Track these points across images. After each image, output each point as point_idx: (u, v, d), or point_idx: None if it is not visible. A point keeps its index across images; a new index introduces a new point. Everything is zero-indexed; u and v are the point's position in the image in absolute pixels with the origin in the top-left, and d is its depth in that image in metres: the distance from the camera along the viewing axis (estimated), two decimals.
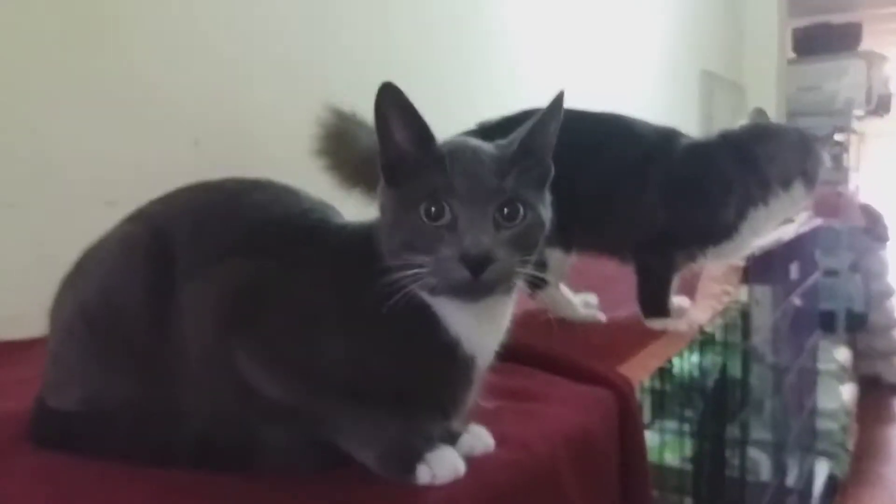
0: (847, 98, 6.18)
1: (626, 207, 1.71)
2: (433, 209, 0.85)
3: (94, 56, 1.61)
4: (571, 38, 3.37)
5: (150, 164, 1.65)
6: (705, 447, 1.66)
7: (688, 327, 1.75)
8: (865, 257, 6.41)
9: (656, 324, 1.74)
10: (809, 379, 3.24)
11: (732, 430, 1.91)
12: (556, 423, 1.15)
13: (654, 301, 1.75)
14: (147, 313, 0.94)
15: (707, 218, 1.72)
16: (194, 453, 0.93)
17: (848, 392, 4.82)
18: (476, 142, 0.92)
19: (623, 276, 1.78)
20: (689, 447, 1.63)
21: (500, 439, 1.03)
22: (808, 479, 3.33)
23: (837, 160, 6.05)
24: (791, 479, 2.87)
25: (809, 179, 1.75)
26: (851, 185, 6.38)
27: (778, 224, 2.04)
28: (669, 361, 1.60)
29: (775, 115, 5.14)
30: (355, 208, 1.17)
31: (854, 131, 6.51)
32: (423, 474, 0.90)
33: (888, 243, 6.70)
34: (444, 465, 0.91)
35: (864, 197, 6.85)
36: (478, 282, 0.84)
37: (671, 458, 1.93)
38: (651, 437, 1.61)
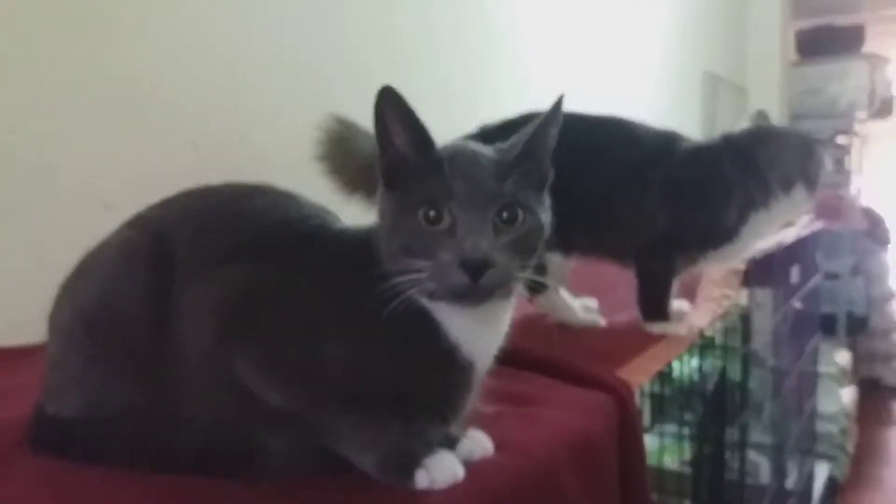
0: (850, 100, 6.18)
1: (626, 211, 1.71)
2: (432, 213, 0.85)
3: (93, 59, 1.60)
4: (573, 41, 3.37)
5: (148, 167, 1.65)
6: (705, 450, 1.66)
7: (688, 331, 1.75)
8: (867, 260, 6.42)
9: (656, 328, 1.74)
10: (809, 382, 3.24)
11: (732, 434, 1.91)
12: (556, 427, 1.15)
13: (654, 305, 1.75)
14: (147, 318, 0.94)
15: (708, 221, 1.72)
16: (194, 459, 0.93)
17: (848, 395, 4.84)
18: (475, 146, 0.92)
19: (623, 280, 1.79)
20: (688, 451, 1.63)
21: (500, 444, 1.02)
22: (807, 481, 3.34)
23: (839, 163, 6.05)
24: (791, 482, 2.87)
25: (811, 182, 1.75)
26: (853, 188, 6.38)
27: (779, 227, 2.04)
28: (669, 365, 1.60)
29: (778, 117, 5.14)
30: (355, 214, 1.16)
31: (856, 134, 6.51)
32: (422, 479, 0.89)
33: (889, 246, 6.71)
34: (442, 469, 0.91)
35: (865, 200, 6.87)
36: (477, 286, 0.83)
37: (671, 462, 1.93)
38: (651, 441, 1.61)
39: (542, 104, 0.93)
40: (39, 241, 1.50)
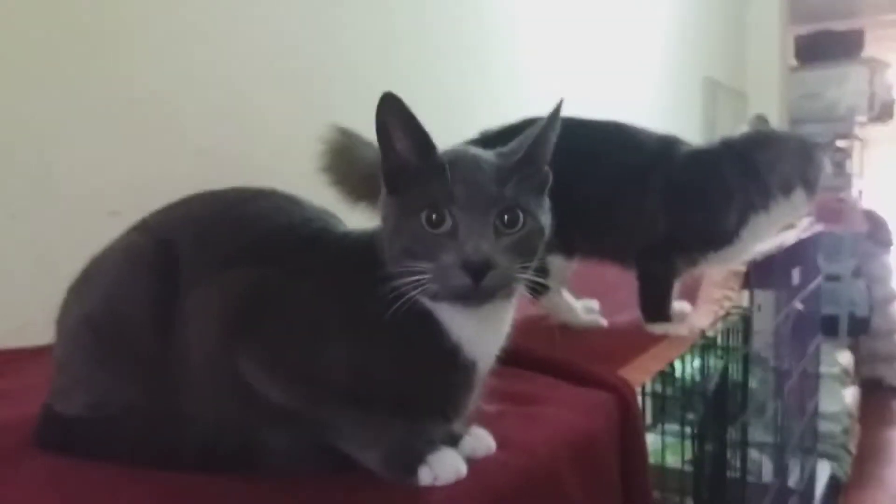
0: (849, 105, 6.18)
1: (627, 214, 1.72)
2: (434, 217, 0.86)
3: (98, 67, 1.61)
4: (573, 46, 3.38)
5: (153, 174, 1.65)
6: (707, 450, 1.67)
7: (689, 332, 1.75)
8: (868, 262, 6.42)
9: (657, 328, 1.75)
10: (812, 382, 3.25)
11: (734, 433, 1.92)
12: (558, 426, 1.16)
13: (656, 306, 1.76)
14: (151, 321, 0.95)
15: (708, 224, 1.73)
16: (198, 457, 0.94)
17: (850, 395, 4.83)
18: (476, 150, 0.93)
19: (624, 282, 1.80)
20: (690, 450, 1.64)
21: (502, 442, 1.03)
22: (810, 480, 3.34)
23: (840, 166, 6.05)
24: (793, 481, 2.88)
25: (810, 186, 1.76)
26: (854, 191, 6.38)
27: (779, 230, 2.05)
28: (671, 365, 1.61)
29: (777, 122, 5.14)
30: (359, 221, 1.17)
31: (857, 138, 6.51)
32: (425, 476, 0.90)
33: (891, 248, 6.71)
34: (445, 466, 0.92)
35: (867, 203, 6.86)
36: (478, 288, 0.85)
37: (673, 461, 1.94)
38: (653, 440, 1.61)
39: (542, 110, 0.94)
40: (45, 246, 1.52)
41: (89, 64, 1.60)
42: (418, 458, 0.92)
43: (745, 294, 2.14)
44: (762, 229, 1.78)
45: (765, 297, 2.34)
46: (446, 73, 2.58)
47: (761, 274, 2.16)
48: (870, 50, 6.62)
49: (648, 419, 1.69)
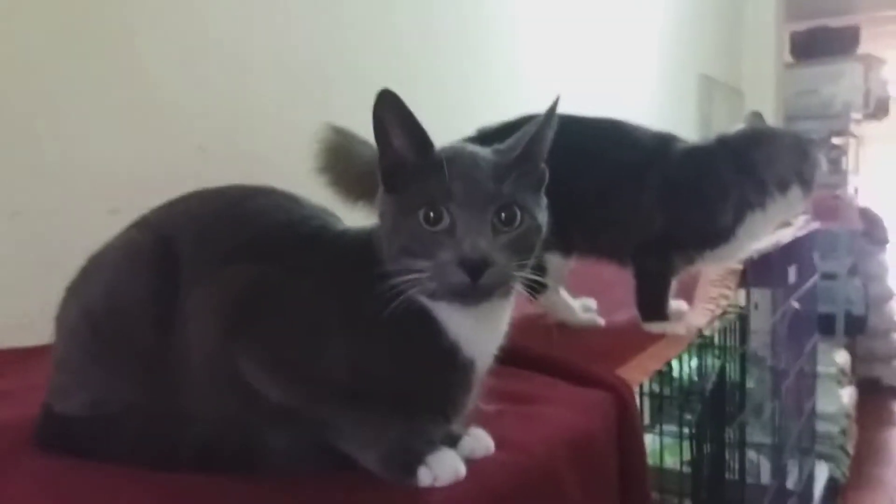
0: (845, 102, 6.18)
1: (623, 212, 1.72)
2: (432, 214, 0.86)
3: (99, 64, 1.61)
4: (570, 44, 3.38)
5: (153, 171, 1.65)
6: (704, 450, 1.67)
7: (686, 330, 1.75)
8: (865, 261, 6.44)
9: (655, 327, 1.75)
10: (809, 382, 3.25)
11: (731, 434, 1.92)
12: (556, 425, 1.16)
13: (653, 305, 1.76)
14: (151, 318, 0.95)
15: (704, 222, 1.73)
16: (198, 456, 0.94)
17: (847, 395, 4.84)
18: (474, 147, 0.93)
19: (621, 280, 1.80)
20: (688, 450, 1.64)
21: (500, 442, 1.03)
22: (808, 481, 3.34)
23: (836, 164, 6.06)
24: (791, 482, 2.88)
25: (806, 183, 1.76)
26: (850, 189, 6.39)
27: (775, 227, 2.05)
28: (668, 364, 1.61)
29: (773, 119, 5.15)
30: (358, 221, 1.17)
31: (852, 135, 6.52)
32: (424, 476, 0.90)
33: (887, 246, 6.72)
34: (444, 466, 0.91)
35: (863, 200, 6.87)
36: (476, 285, 0.85)
37: (671, 461, 1.94)
38: (651, 441, 1.61)
39: (540, 107, 0.94)
40: (45, 244, 1.51)
41: (92, 63, 1.60)
42: (417, 459, 0.91)
43: (742, 292, 2.14)
44: (758, 227, 1.78)
45: (761, 296, 2.34)
46: (446, 70, 2.59)
47: (758, 272, 2.16)
48: (865, 46, 6.63)
49: (646, 419, 1.68)
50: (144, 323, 0.95)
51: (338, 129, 1.55)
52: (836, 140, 6.09)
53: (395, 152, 0.89)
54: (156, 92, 1.71)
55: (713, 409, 1.72)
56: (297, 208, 1.03)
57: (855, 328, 6.12)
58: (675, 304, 1.83)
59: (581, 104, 1.56)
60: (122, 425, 0.97)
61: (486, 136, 1.53)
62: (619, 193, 1.71)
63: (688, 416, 1.62)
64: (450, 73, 2.60)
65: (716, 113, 4.99)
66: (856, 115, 6.41)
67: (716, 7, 5.31)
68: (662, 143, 1.76)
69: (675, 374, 1.68)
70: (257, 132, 1.91)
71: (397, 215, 0.89)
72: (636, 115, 1.84)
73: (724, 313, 1.95)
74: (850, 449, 4.73)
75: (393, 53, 2.34)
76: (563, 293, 1.80)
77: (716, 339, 1.82)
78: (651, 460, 1.46)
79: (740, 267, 2.07)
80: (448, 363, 0.92)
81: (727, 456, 1.88)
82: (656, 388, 1.75)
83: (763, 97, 5.44)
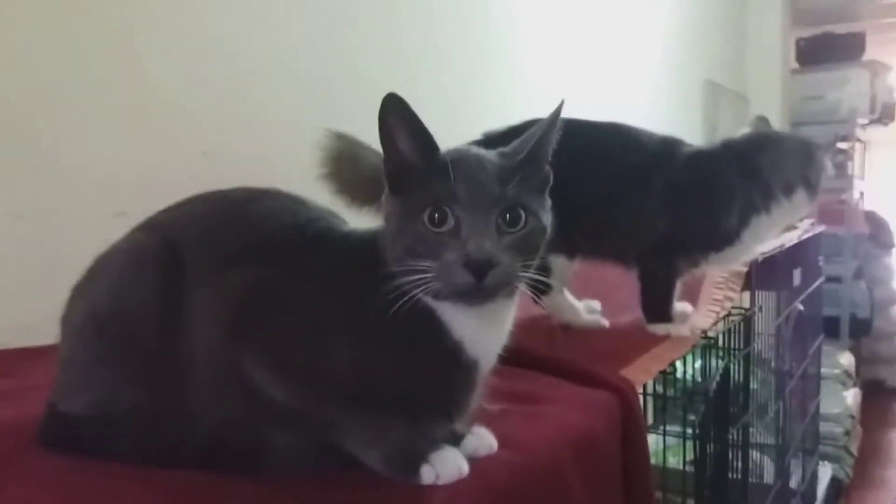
0: (850, 107, 6.18)
1: (629, 214, 1.73)
2: (437, 216, 0.87)
3: (104, 67, 1.62)
4: (576, 50, 3.39)
5: (158, 175, 1.66)
6: (708, 450, 1.67)
7: (690, 332, 1.76)
8: (870, 264, 6.43)
9: (659, 329, 1.75)
10: (813, 383, 3.25)
11: (735, 434, 1.92)
12: (560, 425, 1.16)
13: (657, 306, 1.76)
14: (156, 319, 0.96)
15: (709, 225, 1.74)
16: (202, 456, 0.94)
17: (852, 396, 4.84)
18: (478, 150, 0.94)
19: (625, 283, 1.80)
20: (691, 450, 1.65)
21: (504, 441, 1.03)
22: (811, 482, 3.34)
23: (842, 168, 6.06)
24: (795, 483, 2.88)
25: (811, 187, 1.77)
26: (856, 193, 6.39)
27: (780, 231, 2.05)
28: (672, 366, 1.61)
29: (779, 124, 5.14)
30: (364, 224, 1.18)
31: (858, 140, 6.51)
32: (428, 474, 0.91)
33: (893, 250, 6.71)
34: (447, 465, 0.92)
35: (868, 204, 6.87)
36: (481, 286, 0.85)
37: (674, 461, 1.94)
38: (654, 441, 1.62)
39: (544, 111, 0.95)
40: (51, 247, 1.52)
41: (93, 66, 1.61)
42: (421, 457, 0.92)
43: (747, 295, 2.14)
44: (763, 230, 1.79)
45: (766, 298, 2.34)
46: (450, 75, 2.59)
47: (763, 275, 2.16)
48: (871, 53, 6.63)
49: (650, 420, 1.68)
50: (149, 324, 0.96)
51: (341, 136, 1.55)
52: (841, 145, 6.08)
53: (400, 155, 0.90)
54: (159, 95, 1.72)
55: (717, 409, 1.72)
56: (303, 210, 1.03)
57: (860, 331, 6.12)
58: (680, 305, 1.84)
59: (586, 109, 1.57)
60: (127, 425, 0.97)
61: (492, 140, 1.54)
62: (624, 197, 1.72)
63: (691, 417, 1.63)
64: (452, 79, 2.60)
65: (721, 119, 4.99)
66: (861, 121, 6.41)
67: (721, 13, 5.32)
68: (667, 147, 1.77)
69: (679, 375, 1.69)
70: (261, 136, 1.92)
71: (402, 217, 0.89)
72: (641, 120, 1.85)
73: (729, 315, 1.95)
74: (854, 450, 4.72)
75: (396, 57, 2.35)
76: (568, 295, 1.81)
77: (720, 341, 1.82)
78: (654, 460, 1.46)
79: (745, 269, 2.07)
80: (452, 363, 0.92)
81: (730, 456, 1.88)
82: (660, 388, 1.75)
83: (769, 103, 5.44)
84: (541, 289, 0.95)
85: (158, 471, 0.92)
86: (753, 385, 2.13)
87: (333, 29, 2.14)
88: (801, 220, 2.63)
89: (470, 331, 0.92)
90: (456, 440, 0.99)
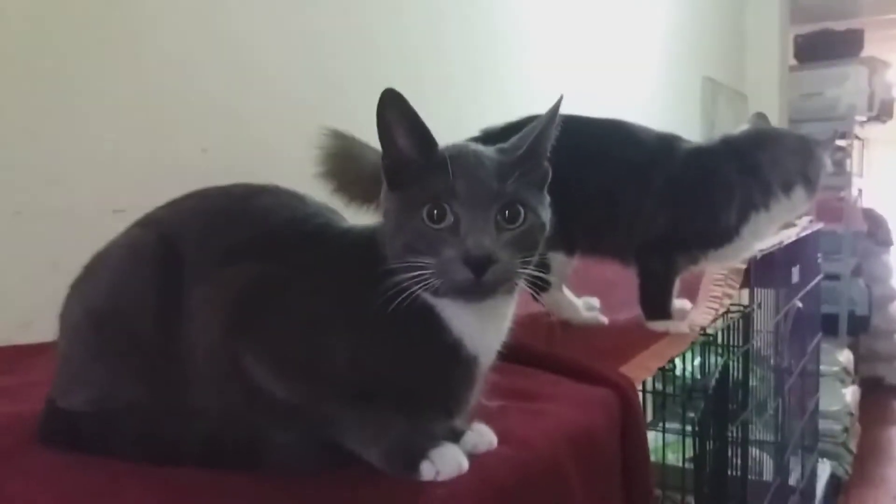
0: (849, 104, 6.18)
1: (628, 211, 1.73)
2: (436, 212, 0.87)
3: (103, 63, 1.62)
4: (575, 47, 3.39)
5: (158, 172, 1.65)
6: (707, 447, 1.68)
7: (689, 329, 1.76)
8: (868, 261, 6.44)
9: (658, 326, 1.75)
10: (812, 381, 3.25)
11: (734, 431, 1.92)
12: (559, 421, 1.16)
13: (656, 303, 1.76)
14: (154, 316, 0.96)
15: (708, 221, 1.74)
16: (202, 453, 0.94)
17: (850, 394, 4.85)
18: (477, 146, 0.94)
19: (624, 280, 1.80)
20: (691, 447, 1.65)
21: (503, 437, 1.03)
22: (810, 479, 3.34)
23: (840, 165, 6.06)
24: (794, 480, 2.88)
25: (810, 183, 1.77)
26: (854, 191, 6.39)
27: (778, 228, 2.05)
28: (671, 363, 1.61)
29: (777, 121, 5.14)
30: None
31: (857, 137, 6.51)
32: (427, 471, 0.91)
33: (891, 247, 6.72)
34: (447, 461, 0.92)
35: (866, 201, 6.87)
36: (480, 282, 0.85)
37: (673, 458, 1.94)
38: (653, 438, 1.62)
39: (544, 107, 0.95)
40: (50, 243, 1.51)
41: (93, 62, 1.60)
42: (420, 454, 0.92)
43: (746, 292, 2.14)
44: (762, 227, 1.79)
45: (765, 296, 2.34)
46: (453, 71, 2.59)
47: (761, 272, 2.17)
48: (870, 49, 6.62)
49: (649, 417, 1.69)
50: (147, 320, 0.96)
51: (339, 134, 1.54)
52: (840, 142, 6.08)
53: (399, 151, 0.90)
54: (159, 91, 1.71)
55: (716, 406, 1.72)
56: (302, 206, 1.03)
57: (858, 328, 6.13)
58: (679, 302, 1.84)
59: (585, 106, 1.56)
60: (126, 421, 0.97)
61: (491, 137, 1.54)
62: (624, 193, 1.72)
63: (690, 414, 1.63)
64: (455, 75, 2.60)
65: (720, 116, 4.99)
66: (860, 118, 6.41)
67: (720, 10, 5.31)
68: (667, 144, 1.77)
69: (678, 372, 1.69)
70: (260, 132, 1.91)
71: (401, 213, 0.89)
72: (640, 117, 1.84)
73: (728, 312, 1.95)
74: (853, 447, 4.73)
75: (399, 54, 2.35)
76: (567, 292, 1.81)
77: (719, 338, 1.82)
78: (653, 457, 1.46)
79: (744, 266, 2.07)
80: (452, 359, 0.93)
81: (730, 453, 1.88)
82: (659, 385, 1.76)
83: (767, 100, 5.44)
84: (540, 286, 0.95)
85: (158, 468, 0.92)
86: (752, 382, 2.14)
87: (336, 25, 2.14)
88: (800, 217, 2.64)
89: (469, 327, 0.92)
90: (456, 437, 0.99)
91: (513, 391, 1.24)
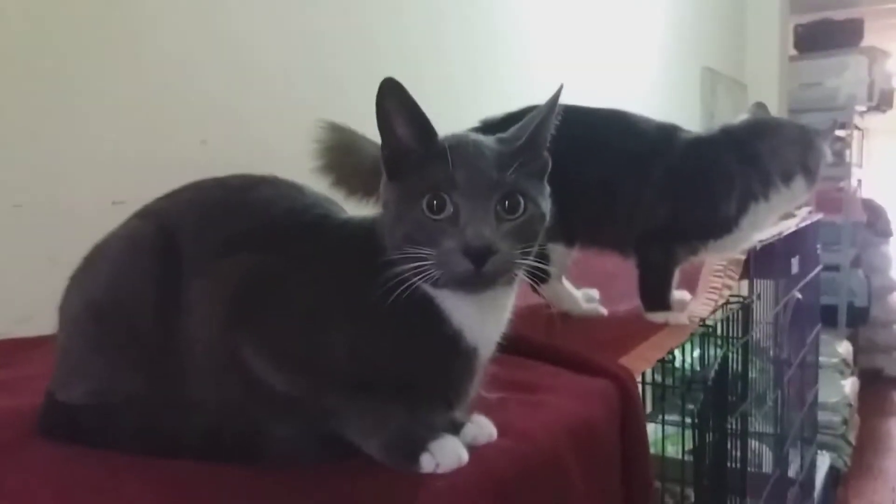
0: (849, 94, 6.17)
1: (627, 202, 1.72)
2: (435, 203, 0.86)
3: (102, 58, 1.61)
4: (574, 37, 3.38)
5: (157, 164, 1.65)
6: (706, 439, 1.67)
7: (688, 320, 1.76)
8: (868, 252, 6.45)
9: (657, 317, 1.75)
10: (811, 372, 3.25)
11: (734, 423, 1.92)
12: (559, 413, 1.16)
13: (656, 294, 1.76)
14: (153, 308, 0.95)
15: (707, 212, 1.73)
16: (201, 445, 0.94)
17: (849, 385, 4.85)
18: (477, 136, 0.93)
19: (624, 271, 1.80)
20: (690, 439, 1.65)
21: (503, 429, 1.03)
22: (809, 470, 3.34)
23: (840, 156, 6.06)
24: (793, 471, 2.88)
25: (810, 173, 1.77)
26: (854, 181, 6.39)
27: (778, 218, 2.05)
28: (670, 354, 1.61)
29: (777, 111, 5.13)
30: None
31: (856, 127, 6.51)
32: (427, 463, 0.90)
33: (890, 238, 6.72)
34: (447, 453, 0.92)
35: (866, 192, 6.87)
36: (480, 273, 0.85)
37: (673, 450, 1.94)
38: (653, 430, 1.62)
39: (544, 98, 0.94)
40: (49, 235, 1.51)
41: (93, 54, 1.60)
42: (420, 446, 0.92)
43: (745, 283, 2.14)
44: (762, 218, 1.78)
45: (764, 287, 2.34)
46: (452, 57, 2.59)
47: (761, 263, 2.16)
48: (869, 39, 6.62)
49: (648, 409, 1.69)
50: (146, 312, 0.95)
51: (336, 126, 1.54)
52: (839, 132, 6.08)
53: (398, 140, 0.90)
54: (158, 83, 1.71)
55: (715, 398, 1.72)
56: (300, 197, 1.03)
57: (857, 319, 6.13)
58: (678, 293, 1.83)
59: (585, 96, 1.56)
60: (125, 414, 0.97)
61: (490, 127, 1.54)
62: (623, 184, 1.71)
63: (690, 406, 1.62)
64: (455, 75, 2.60)
65: (719, 106, 4.99)
66: (860, 108, 6.40)
67: (719, 0, 5.30)
68: (666, 134, 1.76)
69: (678, 363, 1.68)
70: (261, 126, 1.91)
71: (400, 203, 0.89)
72: (639, 106, 1.84)
73: (727, 303, 1.95)
74: (852, 438, 4.74)
75: (399, 53, 2.34)
76: (566, 283, 1.81)
77: (718, 329, 1.82)
78: (653, 449, 1.46)
79: (743, 257, 2.07)
80: (451, 351, 0.92)
81: (729, 445, 1.88)
82: (658, 377, 1.76)
83: (767, 90, 5.43)
84: (539, 277, 0.94)
85: (157, 461, 0.91)
86: (752, 374, 2.13)
87: (335, 17, 2.13)
88: (800, 207, 2.63)
89: (469, 319, 0.92)
90: (455, 429, 0.99)
91: (512, 383, 1.24)
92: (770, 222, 1.91)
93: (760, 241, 2.06)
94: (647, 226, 1.73)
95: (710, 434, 1.72)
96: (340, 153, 1.54)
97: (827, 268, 4.36)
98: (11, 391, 1.17)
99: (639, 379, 1.51)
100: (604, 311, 1.82)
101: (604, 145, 1.70)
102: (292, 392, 0.92)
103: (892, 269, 6.73)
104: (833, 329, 5.44)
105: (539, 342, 1.45)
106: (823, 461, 3.92)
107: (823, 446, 4.12)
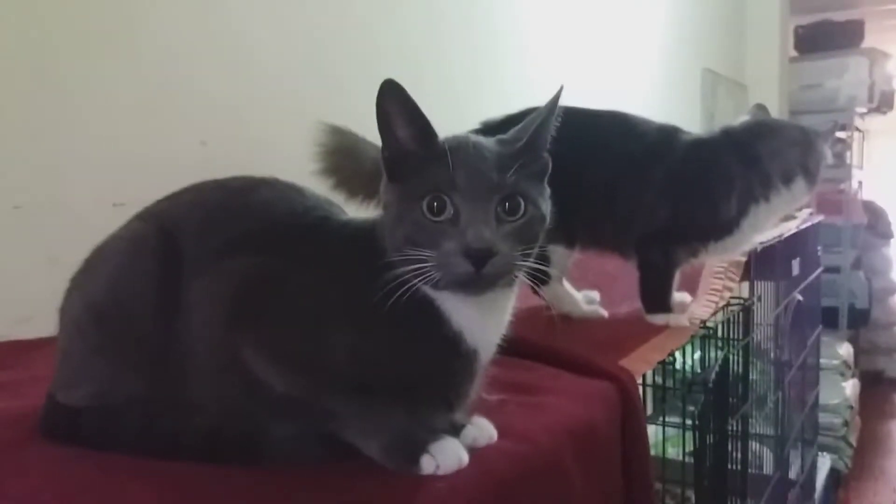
0: (849, 95, 6.17)
1: (628, 203, 1.73)
2: (435, 204, 0.86)
3: (102, 57, 1.61)
4: (575, 39, 3.38)
5: (157, 165, 1.65)
6: (707, 441, 1.67)
7: (689, 322, 1.76)
8: (868, 254, 6.44)
9: (658, 319, 1.75)
10: (812, 374, 3.24)
11: (734, 425, 1.92)
12: (559, 415, 1.16)
13: (656, 296, 1.76)
14: (154, 309, 0.95)
15: (708, 213, 1.74)
16: (202, 447, 0.94)
17: (850, 387, 4.85)
18: (477, 138, 0.93)
19: (624, 274, 1.80)
20: (691, 441, 1.64)
21: (504, 431, 1.03)
22: (810, 472, 3.34)
23: (840, 158, 6.05)
24: (794, 473, 2.88)
25: (811, 175, 1.76)
26: (854, 183, 6.39)
27: (778, 220, 2.05)
28: (671, 356, 1.61)
29: (777, 113, 5.14)
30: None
31: (857, 128, 6.50)
32: (428, 464, 0.90)
33: (891, 240, 6.72)
34: (447, 455, 0.92)
35: (867, 194, 6.87)
36: (480, 275, 0.85)
37: (673, 452, 1.94)
38: (653, 431, 1.62)
39: (544, 99, 0.94)
40: (49, 237, 1.51)
41: (93, 55, 1.60)
42: (420, 447, 0.92)
43: (746, 285, 2.14)
44: (762, 219, 1.79)
45: (765, 288, 2.33)
46: (452, 58, 2.59)
47: (761, 265, 2.16)
48: (870, 40, 6.62)
49: (649, 410, 1.68)
50: (147, 314, 0.95)
51: (337, 129, 1.54)
52: (840, 134, 6.08)
53: (398, 142, 0.90)
54: (160, 86, 1.71)
55: (716, 400, 1.72)
56: (301, 199, 1.03)
57: (858, 321, 6.13)
58: (679, 295, 1.84)
59: (586, 97, 1.56)
60: (126, 416, 0.97)
61: (490, 129, 1.54)
62: (624, 185, 1.72)
63: (690, 408, 1.62)
64: (455, 75, 2.60)
65: (719, 108, 4.98)
66: (860, 109, 6.40)
67: (720, 1, 5.30)
68: (667, 136, 1.76)
69: (678, 365, 1.68)
70: (262, 127, 1.91)
71: (401, 205, 0.89)
72: (640, 108, 1.84)
73: (728, 305, 1.95)
74: (853, 440, 4.74)
75: (399, 53, 2.34)
76: (567, 285, 1.81)
77: (719, 331, 1.82)
78: (653, 451, 1.46)
79: (744, 259, 2.06)
80: (451, 352, 0.92)
81: (730, 447, 1.88)
82: (659, 379, 1.75)
83: (767, 91, 5.43)
84: (540, 278, 0.95)
85: (158, 462, 0.92)
86: (752, 375, 2.13)
87: (336, 18, 2.13)
88: (800, 209, 2.63)
89: (469, 320, 0.92)
90: (456, 430, 0.99)
91: (513, 385, 1.24)
92: (770, 224, 1.92)
93: (761, 243, 2.05)
94: (647, 227, 1.73)
95: (711, 436, 1.71)
96: (341, 156, 1.54)
97: (828, 269, 4.35)
98: (12, 393, 1.17)
99: (639, 381, 1.51)
100: (604, 312, 1.83)
101: (604, 147, 1.70)
102: (292, 393, 0.92)
103: (892, 270, 6.73)
104: (834, 331, 5.44)
105: (539, 344, 1.45)
106: (824, 463, 3.92)
107: (824, 448, 4.12)
